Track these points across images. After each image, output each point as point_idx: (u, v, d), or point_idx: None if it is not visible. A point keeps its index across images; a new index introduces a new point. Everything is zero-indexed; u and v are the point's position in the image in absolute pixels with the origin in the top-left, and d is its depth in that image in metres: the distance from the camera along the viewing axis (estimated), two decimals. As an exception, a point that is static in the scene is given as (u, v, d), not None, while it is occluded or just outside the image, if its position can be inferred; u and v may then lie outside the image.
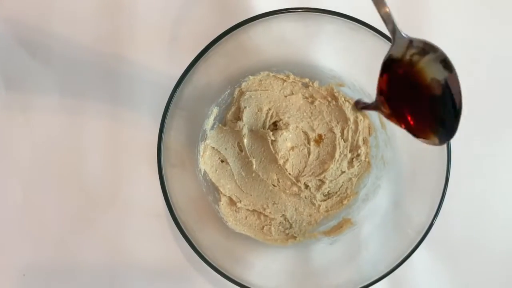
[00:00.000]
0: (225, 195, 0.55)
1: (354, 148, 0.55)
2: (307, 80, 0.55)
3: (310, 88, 0.55)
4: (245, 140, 0.55)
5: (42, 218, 0.57)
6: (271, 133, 0.54)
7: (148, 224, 0.57)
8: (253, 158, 0.55)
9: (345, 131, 0.55)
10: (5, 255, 0.57)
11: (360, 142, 0.55)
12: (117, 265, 0.57)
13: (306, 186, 0.55)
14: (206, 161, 0.55)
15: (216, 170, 0.56)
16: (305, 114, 0.56)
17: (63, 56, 0.57)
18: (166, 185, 0.47)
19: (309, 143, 0.56)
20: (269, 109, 0.55)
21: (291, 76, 0.55)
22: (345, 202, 0.56)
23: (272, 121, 0.55)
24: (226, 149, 0.56)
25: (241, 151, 0.55)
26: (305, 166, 0.56)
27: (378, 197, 0.55)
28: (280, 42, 0.51)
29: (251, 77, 0.54)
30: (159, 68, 0.57)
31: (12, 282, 0.57)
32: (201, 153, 0.55)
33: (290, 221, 0.55)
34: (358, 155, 0.55)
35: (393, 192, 0.54)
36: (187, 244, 0.48)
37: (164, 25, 0.57)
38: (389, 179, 0.54)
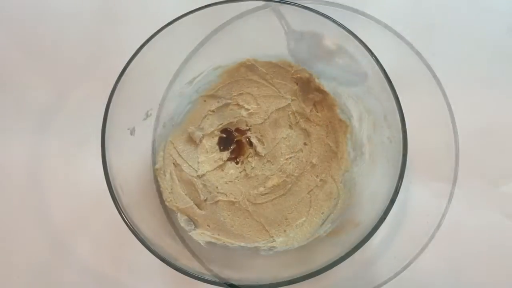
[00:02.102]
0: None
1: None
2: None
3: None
4: None
5: (38, 218, 0.57)
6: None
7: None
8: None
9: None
10: (1, 254, 0.57)
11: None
12: (115, 264, 0.56)
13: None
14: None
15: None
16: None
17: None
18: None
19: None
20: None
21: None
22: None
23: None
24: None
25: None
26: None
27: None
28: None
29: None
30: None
31: (8, 281, 0.56)
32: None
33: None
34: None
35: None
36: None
37: None
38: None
